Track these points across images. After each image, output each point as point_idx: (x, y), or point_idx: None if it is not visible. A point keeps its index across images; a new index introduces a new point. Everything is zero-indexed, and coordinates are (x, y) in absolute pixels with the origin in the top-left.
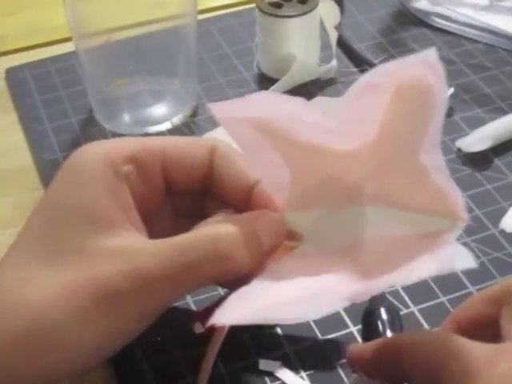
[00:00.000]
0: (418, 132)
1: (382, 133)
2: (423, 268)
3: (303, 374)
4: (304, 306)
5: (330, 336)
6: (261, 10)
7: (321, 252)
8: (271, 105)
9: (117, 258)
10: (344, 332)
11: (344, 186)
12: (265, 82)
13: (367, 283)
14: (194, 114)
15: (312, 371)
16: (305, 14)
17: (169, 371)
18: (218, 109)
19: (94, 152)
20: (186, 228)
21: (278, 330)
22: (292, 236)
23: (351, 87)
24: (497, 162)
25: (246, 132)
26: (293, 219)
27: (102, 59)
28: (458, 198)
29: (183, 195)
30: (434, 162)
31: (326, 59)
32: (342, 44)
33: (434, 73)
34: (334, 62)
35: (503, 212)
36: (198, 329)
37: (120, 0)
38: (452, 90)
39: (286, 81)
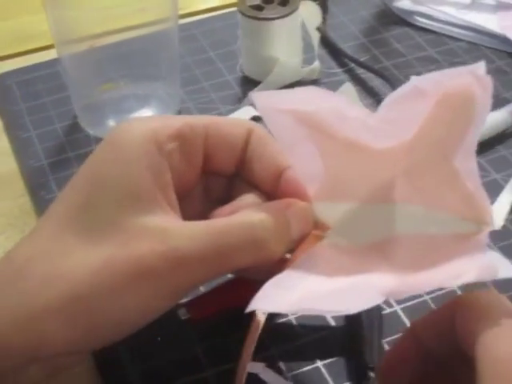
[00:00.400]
0: (455, 137)
1: (419, 134)
2: (466, 274)
3: (288, 375)
4: (342, 300)
5: (313, 336)
6: (242, 13)
7: (351, 245)
8: (315, 99)
9: (153, 237)
10: (327, 332)
11: (376, 183)
12: (248, 84)
13: (408, 281)
14: None
15: (296, 372)
16: (286, 16)
17: (156, 375)
18: (260, 98)
19: (138, 128)
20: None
21: (262, 332)
22: (319, 226)
23: (397, 90)
24: (479, 159)
25: (286, 123)
26: (321, 209)
27: (85, 65)
28: (486, 204)
29: (217, 178)
30: (468, 167)
31: (309, 60)
32: (327, 45)
33: (481, 85)
34: (317, 63)
35: None
36: (183, 315)
37: (101, 7)
38: None
39: (269, 83)
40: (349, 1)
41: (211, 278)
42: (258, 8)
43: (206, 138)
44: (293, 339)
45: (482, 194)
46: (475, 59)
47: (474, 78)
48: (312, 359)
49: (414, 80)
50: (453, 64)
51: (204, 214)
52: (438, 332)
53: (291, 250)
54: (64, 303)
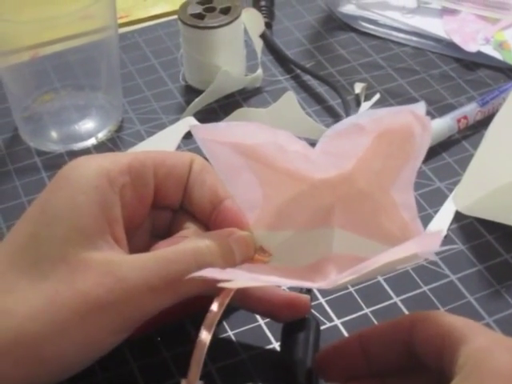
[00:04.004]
0: (393, 171)
1: (357, 165)
2: (408, 248)
3: None
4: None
5: (252, 352)
6: (183, 22)
7: (289, 267)
8: (254, 133)
9: (99, 269)
10: (267, 347)
11: (315, 209)
12: (191, 93)
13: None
14: (120, 128)
15: None
16: (227, 24)
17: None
18: (199, 131)
19: (90, 163)
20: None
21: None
22: (261, 253)
23: (335, 125)
24: (423, 167)
25: (225, 154)
26: (262, 237)
27: (25, 76)
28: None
29: (163, 212)
30: (405, 200)
31: (253, 68)
32: (273, 51)
33: (420, 124)
34: (260, 71)
35: (429, 219)
36: None
37: (39, 18)
38: (378, 96)
39: (211, 92)
40: (293, 6)
41: (161, 308)
42: (200, 16)
43: (155, 173)
44: (230, 356)
45: (417, 225)
46: (420, 64)
47: (413, 117)
48: (249, 376)
49: (353, 117)
50: (398, 69)
51: (148, 250)
52: (385, 341)
53: None
54: (10, 341)
